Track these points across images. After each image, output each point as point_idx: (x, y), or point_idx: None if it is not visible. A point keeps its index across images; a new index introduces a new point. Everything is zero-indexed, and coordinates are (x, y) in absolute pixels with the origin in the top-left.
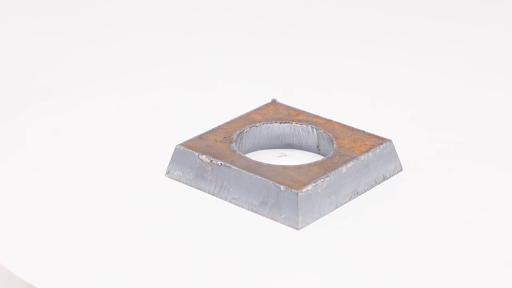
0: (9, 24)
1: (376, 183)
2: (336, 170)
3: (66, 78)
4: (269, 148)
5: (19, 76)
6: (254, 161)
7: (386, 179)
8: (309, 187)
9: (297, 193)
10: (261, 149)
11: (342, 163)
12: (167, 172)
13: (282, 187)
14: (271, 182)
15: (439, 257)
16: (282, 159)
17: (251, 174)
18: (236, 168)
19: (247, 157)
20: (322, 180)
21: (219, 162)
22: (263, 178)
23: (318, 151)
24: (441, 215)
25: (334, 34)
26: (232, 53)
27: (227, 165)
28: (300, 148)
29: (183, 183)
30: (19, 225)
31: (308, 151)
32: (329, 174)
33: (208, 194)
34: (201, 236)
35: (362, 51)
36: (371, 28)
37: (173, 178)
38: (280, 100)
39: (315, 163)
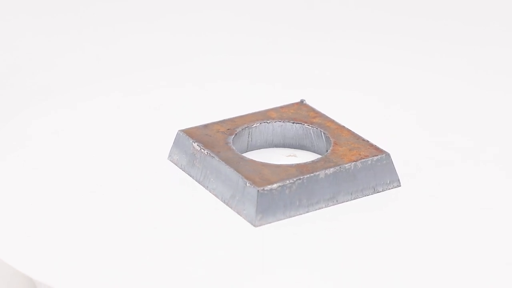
0: (9, 24)
1: (364, 195)
2: (312, 175)
3: (66, 78)
4: (284, 147)
5: (19, 76)
6: (239, 154)
7: (378, 192)
8: (274, 186)
9: (258, 190)
10: (275, 147)
11: (322, 169)
12: (169, 156)
13: (248, 182)
14: (240, 177)
15: (438, 257)
16: (290, 159)
17: (227, 167)
18: (217, 159)
19: (234, 150)
20: (292, 181)
21: (205, 151)
22: (235, 172)
23: None
24: (441, 215)
25: (334, 34)
26: (232, 53)
27: (212, 155)
28: (313, 150)
29: (179, 167)
30: (19, 225)
31: (320, 154)
32: (302, 177)
33: (197, 183)
34: (196, 235)
35: (362, 51)
36: (371, 28)
37: (172, 162)
38: (279, 100)
39: (296, 165)
